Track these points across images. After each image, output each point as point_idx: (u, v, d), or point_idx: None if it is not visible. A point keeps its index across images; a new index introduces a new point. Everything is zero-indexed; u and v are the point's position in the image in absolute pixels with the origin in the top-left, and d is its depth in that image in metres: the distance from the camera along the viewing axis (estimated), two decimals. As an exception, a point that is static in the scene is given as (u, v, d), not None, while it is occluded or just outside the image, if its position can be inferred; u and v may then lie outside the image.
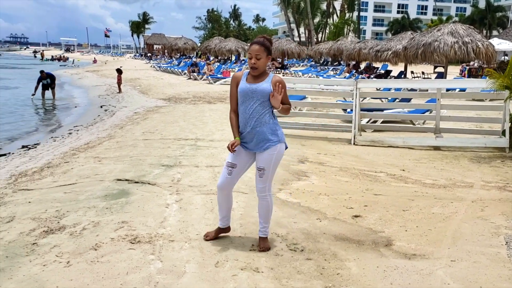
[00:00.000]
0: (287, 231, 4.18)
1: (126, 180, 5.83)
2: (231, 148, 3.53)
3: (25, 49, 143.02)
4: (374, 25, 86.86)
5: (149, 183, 5.66)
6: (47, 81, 18.29)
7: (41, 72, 18.39)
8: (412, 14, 77.41)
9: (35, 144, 9.81)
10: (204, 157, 7.19)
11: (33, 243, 3.87)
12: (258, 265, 3.47)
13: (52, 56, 71.09)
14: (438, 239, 4.06)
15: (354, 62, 32.64)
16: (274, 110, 3.65)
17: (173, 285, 3.13)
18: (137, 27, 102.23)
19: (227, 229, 3.98)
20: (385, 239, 4.05)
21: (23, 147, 9.54)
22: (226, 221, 3.94)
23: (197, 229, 4.13)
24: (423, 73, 26.81)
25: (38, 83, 18.33)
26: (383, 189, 5.59)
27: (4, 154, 8.77)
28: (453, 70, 35.08)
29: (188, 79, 26.75)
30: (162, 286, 3.12)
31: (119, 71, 20.76)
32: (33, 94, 18.41)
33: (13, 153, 8.86)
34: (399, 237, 4.09)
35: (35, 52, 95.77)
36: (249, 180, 5.78)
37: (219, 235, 3.94)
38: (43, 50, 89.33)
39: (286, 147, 3.76)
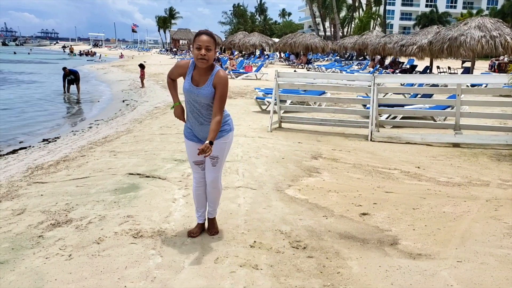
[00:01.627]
0: (292, 228, 4.13)
1: (138, 174, 5.88)
2: (205, 152, 3.23)
3: (55, 44, 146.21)
4: (401, 19, 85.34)
5: (159, 178, 5.69)
6: (70, 77, 18.74)
7: (64, 68, 18.80)
8: (441, 7, 75.72)
9: (55, 138, 10.01)
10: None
11: (39, 236, 3.94)
12: (257, 262, 3.44)
13: (80, 51, 72.39)
14: (446, 239, 3.95)
15: (379, 57, 32.17)
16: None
17: (170, 280, 3.14)
18: (164, 22, 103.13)
19: (204, 223, 4.00)
20: (391, 238, 3.96)
21: (43, 140, 9.73)
22: (204, 215, 3.95)
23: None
24: (449, 68, 26.25)
25: (64, 80, 18.81)
26: (395, 187, 5.48)
27: (25, 147, 8.97)
28: (482, 65, 34.29)
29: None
30: (159, 281, 3.12)
31: (142, 66, 20.97)
32: (64, 92, 18.87)
33: (33, 146, 9.06)
34: (405, 236, 4.00)
35: (64, 47, 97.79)
36: (259, 175, 5.77)
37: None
38: (71, 45, 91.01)
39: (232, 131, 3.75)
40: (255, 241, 3.81)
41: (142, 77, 20.64)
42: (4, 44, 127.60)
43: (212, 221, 3.94)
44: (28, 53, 70.23)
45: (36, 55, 65.07)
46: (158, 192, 5.10)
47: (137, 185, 5.40)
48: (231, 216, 4.38)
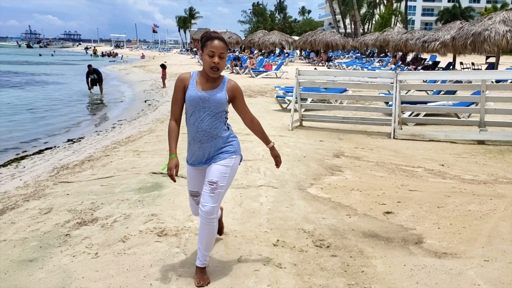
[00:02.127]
0: (315, 227, 4.13)
1: (161, 173, 5.94)
2: (172, 177, 2.99)
3: (77, 45, 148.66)
4: (423, 15, 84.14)
5: (182, 177, 5.72)
6: (94, 76, 18.93)
7: (89, 66, 19.08)
8: (464, 2, 74.34)
9: (79, 138, 10.18)
10: (239, 151, 7.21)
11: (66, 234, 4.02)
12: (281, 261, 3.44)
13: (102, 52, 73.43)
14: (472, 237, 3.89)
15: (400, 53, 31.79)
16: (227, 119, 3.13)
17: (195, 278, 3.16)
18: (184, 22, 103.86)
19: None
20: (415, 237, 3.92)
21: (68, 140, 9.91)
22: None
23: (224, 223, 4.14)
24: (473, 64, 25.76)
25: (87, 78, 19.06)
26: (419, 185, 5.42)
27: (51, 148, 9.15)
28: (507, 60, 33.57)
29: (231, 73, 26.90)
30: (184, 279, 3.16)
31: (163, 67, 21.17)
32: (90, 88, 19.13)
33: (58, 147, 9.23)
34: (430, 235, 3.95)
35: (86, 48, 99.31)
36: (281, 174, 5.77)
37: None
38: (95, 47, 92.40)
39: (241, 160, 3.23)
40: (278, 240, 3.82)
41: (163, 77, 20.83)
42: (28, 46, 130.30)
43: (202, 270, 3.13)
44: (52, 55, 71.57)
45: (60, 57, 66.27)
46: (181, 190, 5.14)
47: (160, 184, 5.46)
48: (253, 215, 4.39)
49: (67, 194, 5.31)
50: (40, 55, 70.19)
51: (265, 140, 3.33)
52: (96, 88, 19.19)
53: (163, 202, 4.78)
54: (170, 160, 3.04)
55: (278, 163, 3.36)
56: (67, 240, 3.89)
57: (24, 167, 7.46)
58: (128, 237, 3.87)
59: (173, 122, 3.08)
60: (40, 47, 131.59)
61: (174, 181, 3.03)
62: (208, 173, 3.03)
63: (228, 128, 3.14)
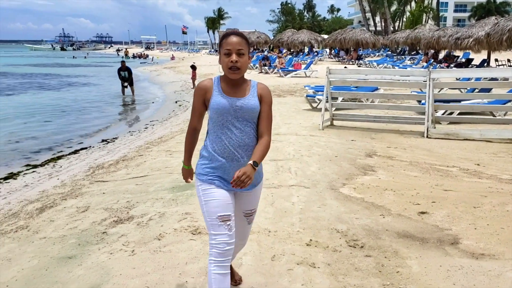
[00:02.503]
0: (348, 227, 4.10)
1: (194, 172, 6.00)
2: (242, 182, 2.33)
3: (109, 47, 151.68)
4: (456, 11, 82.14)
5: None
6: (125, 73, 19.02)
7: (122, 62, 19.35)
8: (499, -3, 72.21)
9: (113, 138, 10.40)
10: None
11: (103, 232, 4.12)
12: (314, 260, 3.44)
13: (134, 54, 74.68)
14: (511, 238, 3.79)
15: (432, 51, 31.18)
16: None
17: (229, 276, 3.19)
18: (213, 23, 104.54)
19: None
20: (451, 237, 3.85)
21: (103, 140, 10.14)
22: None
23: (256, 222, 4.16)
24: (509, 60, 25.04)
25: (119, 74, 19.21)
26: (454, 185, 5.31)
27: (86, 148, 9.38)
28: (545, 56, 32.40)
29: (260, 72, 26.94)
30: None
31: (193, 67, 21.38)
32: (123, 91, 19.39)
33: (93, 147, 9.45)
34: (467, 236, 3.87)
35: (118, 50, 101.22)
36: (312, 174, 5.76)
37: None
38: (126, 48, 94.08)
39: None
40: (311, 240, 3.82)
41: (193, 78, 21.03)
42: (62, 49, 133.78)
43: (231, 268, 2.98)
44: (85, 57, 73.26)
45: (93, 59, 67.79)
46: (213, 190, 5.19)
47: (193, 184, 5.50)
48: (285, 215, 4.40)
49: (103, 193, 5.44)
50: (74, 57, 72.01)
51: (255, 156, 2.46)
52: (127, 91, 19.48)
53: (196, 201, 4.83)
54: (184, 170, 2.87)
55: (236, 181, 2.32)
56: (104, 238, 3.99)
57: (61, 166, 7.67)
58: (163, 235, 3.94)
59: (191, 130, 2.69)
60: (74, 49, 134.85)
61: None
62: (243, 203, 2.67)
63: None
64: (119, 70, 19.13)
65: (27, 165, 8.04)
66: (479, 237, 3.85)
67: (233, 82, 2.54)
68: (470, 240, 3.79)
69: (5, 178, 7.12)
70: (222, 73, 2.58)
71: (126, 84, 19.16)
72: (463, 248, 3.65)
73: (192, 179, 2.79)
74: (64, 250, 3.80)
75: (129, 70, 19.06)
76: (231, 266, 2.91)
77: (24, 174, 7.35)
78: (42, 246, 3.92)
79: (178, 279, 3.18)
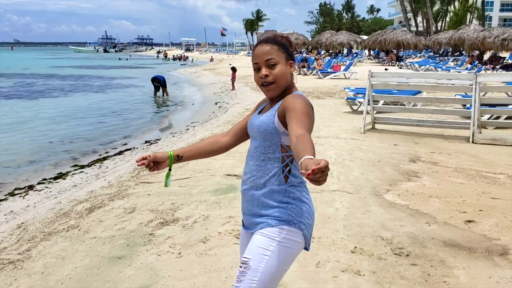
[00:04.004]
0: (393, 234, 4.06)
1: (235, 175, 6.09)
2: (139, 159, 2.08)
3: (150, 49, 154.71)
4: (502, 10, 79.36)
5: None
6: (158, 83, 20.42)
7: (152, 80, 20.69)
8: (549, -5, 69.41)
9: (156, 139, 10.64)
10: (311, 154, 7.23)
11: (150, 234, 4.24)
12: (359, 268, 3.43)
13: (174, 56, 75.96)
14: None
15: (477, 52, 30.28)
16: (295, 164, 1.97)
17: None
18: (251, 25, 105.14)
19: None
20: (500, 248, 3.76)
21: (146, 142, 10.39)
22: None
23: None
24: (559, 61, 24.00)
25: (152, 83, 20.65)
26: (502, 193, 5.17)
27: (130, 149, 9.64)
28: None
29: (298, 74, 26.88)
30: (264, 282, 3.23)
31: (233, 69, 21.58)
32: (155, 96, 20.26)
33: (137, 148, 9.70)
34: (518, 247, 3.77)
35: (158, 52, 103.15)
36: (355, 179, 5.72)
37: None
38: (165, 51, 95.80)
39: (306, 248, 2.02)
40: (355, 247, 3.80)
41: (233, 79, 21.22)
42: (105, 51, 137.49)
43: None
44: (127, 59, 75.06)
45: (135, 61, 69.41)
46: (256, 194, 5.24)
47: (235, 186, 5.60)
48: (329, 221, 4.40)
49: (149, 195, 5.58)
50: (119, 59, 74.11)
51: (306, 151, 1.62)
52: (159, 93, 20.31)
53: (238, 205, 4.85)
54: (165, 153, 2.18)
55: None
56: (151, 239, 4.11)
57: (107, 167, 7.92)
58: (208, 238, 4.02)
59: (220, 136, 2.33)
60: (116, 51, 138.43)
61: (138, 165, 2.09)
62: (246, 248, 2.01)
63: (288, 179, 1.99)
64: (152, 80, 20.55)
65: (75, 165, 8.35)
66: (531, 248, 3.74)
67: (273, 97, 2.06)
68: (521, 252, 3.68)
69: (55, 178, 7.43)
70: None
71: (158, 85, 20.44)
72: (514, 259, 3.56)
73: (149, 164, 2.13)
74: (114, 250, 3.93)
75: (158, 80, 20.39)
76: None
77: (73, 174, 7.64)
78: (93, 246, 4.07)
79: (225, 282, 3.24)
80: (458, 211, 4.62)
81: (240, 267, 1.92)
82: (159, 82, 20.28)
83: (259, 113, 2.13)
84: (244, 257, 1.93)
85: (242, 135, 2.26)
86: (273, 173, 1.99)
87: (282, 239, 1.92)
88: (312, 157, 1.54)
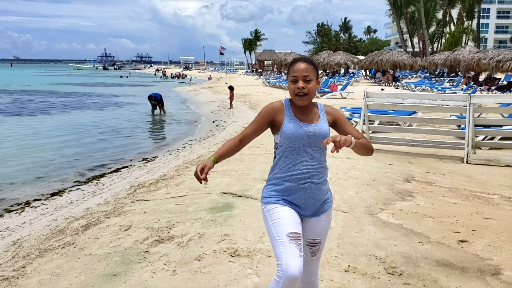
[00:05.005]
0: (386, 253, 4.10)
1: (231, 193, 6.12)
2: (199, 173, 2.42)
3: (149, 67, 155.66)
4: (496, 32, 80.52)
5: (251, 197, 5.89)
6: (155, 101, 20.46)
7: (149, 98, 20.65)
8: (543, 18, 70.48)
9: (153, 157, 10.68)
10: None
11: (145, 251, 4.26)
12: (353, 287, 3.46)
13: (172, 74, 76.45)
14: (557, 271, 3.70)
15: (472, 73, 30.61)
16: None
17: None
18: (249, 44, 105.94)
19: None
20: (492, 268, 3.79)
21: (143, 159, 10.43)
22: None
23: None
24: (553, 83, 24.27)
25: (149, 100, 20.65)
26: (495, 213, 5.22)
27: (127, 166, 9.67)
28: None
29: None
30: (257, 300, 3.26)
31: (231, 88, 21.76)
32: (153, 111, 20.27)
33: (134, 165, 9.74)
34: (509, 266, 3.80)
35: (157, 70, 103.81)
36: (350, 198, 5.77)
37: None
38: (164, 69, 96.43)
39: None
40: (349, 266, 3.83)
41: (231, 98, 21.38)
42: (104, 68, 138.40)
43: None
44: (127, 77, 75.54)
45: (134, 79, 69.87)
46: (251, 211, 5.28)
47: (231, 204, 5.63)
48: (323, 239, 4.42)
49: (144, 212, 5.61)
50: (121, 77, 74.72)
51: (357, 139, 2.53)
52: (156, 111, 20.33)
53: (234, 223, 4.93)
54: (207, 161, 2.48)
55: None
56: (146, 257, 4.13)
57: (104, 184, 7.95)
58: (203, 256, 4.04)
59: (238, 140, 2.61)
60: (115, 69, 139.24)
61: (199, 181, 2.44)
62: (308, 232, 2.58)
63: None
64: (149, 99, 20.62)
65: (72, 181, 8.37)
66: (522, 268, 3.77)
67: (303, 107, 2.55)
68: (512, 271, 3.72)
69: (52, 195, 7.45)
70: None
71: (155, 103, 20.47)
72: (505, 279, 3.59)
73: (204, 173, 2.43)
74: (109, 267, 3.95)
75: (155, 98, 20.39)
76: None
77: (69, 191, 7.67)
78: (88, 263, 4.09)
79: (218, 300, 3.26)
80: (452, 231, 4.66)
81: (314, 246, 2.61)
82: (155, 100, 20.31)
83: (301, 120, 2.54)
84: (317, 238, 2.60)
85: (251, 140, 2.67)
86: (326, 166, 2.60)
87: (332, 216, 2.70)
88: (353, 137, 2.43)
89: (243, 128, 13.84)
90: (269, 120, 2.57)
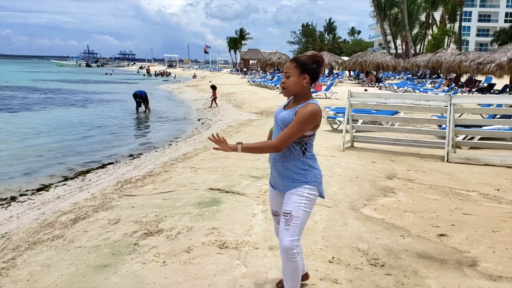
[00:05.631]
0: (369, 246, 4.25)
1: (218, 189, 6.23)
2: (213, 137, 2.88)
3: (132, 65, 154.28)
4: (478, 35, 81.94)
5: (238, 193, 6.00)
6: (140, 99, 20.26)
7: (134, 96, 20.48)
8: (523, 22, 71.93)
9: (139, 154, 10.71)
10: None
11: (135, 244, 4.35)
12: (337, 277, 3.60)
13: (155, 72, 76.04)
14: (529, 263, 3.89)
15: (454, 75, 31.16)
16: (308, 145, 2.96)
17: (255, 288, 3.39)
18: (234, 43, 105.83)
19: (306, 275, 3.45)
20: (470, 260, 3.98)
21: (129, 156, 10.45)
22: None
23: None
24: (532, 86, 24.85)
25: (134, 99, 20.45)
26: (473, 209, 5.42)
27: (112, 163, 9.70)
28: None
29: (281, 93, 27.17)
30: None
31: (213, 87, 21.76)
32: (137, 109, 20.20)
33: (119, 162, 9.76)
34: (485, 258, 3.99)
35: (140, 67, 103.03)
36: (334, 193, 5.92)
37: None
38: (148, 67, 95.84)
39: (322, 196, 3.06)
40: (333, 257, 3.98)
41: (214, 97, 21.36)
42: (87, 65, 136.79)
43: None
44: (110, 74, 74.91)
45: (118, 76, 69.29)
46: (238, 206, 5.40)
47: (218, 200, 5.74)
48: (308, 232, 4.56)
49: (132, 207, 5.68)
50: (106, 74, 74.18)
51: (247, 142, 3.00)
52: (141, 108, 20.17)
53: (222, 217, 5.04)
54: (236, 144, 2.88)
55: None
56: (136, 249, 4.21)
57: (90, 180, 7.98)
58: (192, 248, 4.14)
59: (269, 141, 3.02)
60: (98, 66, 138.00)
61: (215, 142, 2.88)
62: (284, 203, 2.98)
63: (309, 154, 2.97)
64: (134, 96, 20.38)
65: (58, 177, 8.38)
66: (498, 260, 3.96)
67: (295, 99, 2.99)
68: (488, 263, 3.90)
69: (38, 190, 7.46)
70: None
71: (140, 100, 20.24)
72: (481, 270, 3.77)
73: (226, 148, 2.90)
74: (99, 259, 4.03)
75: (140, 95, 20.19)
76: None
77: (56, 186, 7.69)
78: (78, 255, 4.16)
79: (208, 289, 3.37)
80: (432, 225, 4.84)
81: (285, 216, 2.92)
82: (140, 98, 20.12)
83: (284, 108, 3.02)
84: (286, 210, 2.92)
85: None
86: (295, 149, 2.92)
87: (307, 194, 2.92)
88: (239, 142, 2.89)
89: (229, 126, 13.92)
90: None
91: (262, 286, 3.43)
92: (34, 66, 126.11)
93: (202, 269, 3.70)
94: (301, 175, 2.94)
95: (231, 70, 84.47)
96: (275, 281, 3.51)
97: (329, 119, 12.80)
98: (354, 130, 9.89)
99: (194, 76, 60.74)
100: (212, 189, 6.28)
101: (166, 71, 75.37)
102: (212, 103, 21.33)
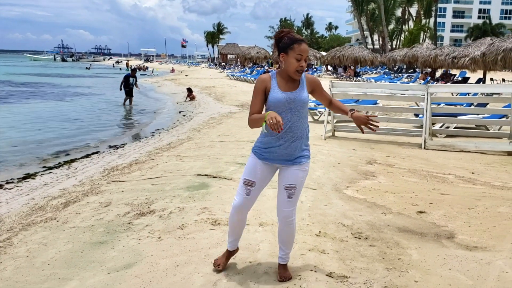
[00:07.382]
0: (353, 222, 4.49)
1: (206, 175, 6.39)
2: (278, 123, 2.73)
3: (108, 59, 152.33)
4: (452, 31, 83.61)
5: (225, 178, 6.18)
6: (133, 80, 19.41)
7: (133, 70, 19.86)
8: (495, 19, 73.74)
9: (122, 144, 10.77)
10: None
11: (129, 223, 4.49)
12: (324, 248, 3.82)
13: (131, 66, 75.29)
14: (502, 234, 4.18)
15: (429, 69, 31.85)
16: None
17: (249, 258, 3.58)
18: (212, 37, 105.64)
19: (236, 250, 3.51)
20: (447, 233, 4.25)
21: (111, 146, 10.50)
22: (236, 242, 3.45)
23: (269, 217, 4.55)
24: (503, 80, 25.66)
25: (127, 81, 19.33)
26: (450, 189, 5.72)
27: (97, 152, 9.75)
28: (539, 77, 33.07)
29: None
30: (239, 259, 3.57)
31: (189, 90, 21.62)
32: (127, 96, 19.70)
33: (103, 152, 9.82)
34: (462, 232, 4.27)
35: (117, 62, 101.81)
36: (318, 177, 6.15)
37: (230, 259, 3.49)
38: (128, 61, 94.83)
39: None
40: (320, 231, 4.20)
41: (192, 97, 21.18)
42: (63, 60, 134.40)
43: (284, 266, 3.33)
44: (87, 68, 73.91)
45: (95, 70, 68.42)
46: (227, 189, 5.58)
47: (206, 184, 5.91)
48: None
49: (122, 191, 5.80)
50: (86, 68, 73.22)
51: (344, 111, 3.29)
52: (127, 102, 19.85)
53: (212, 198, 5.21)
54: (268, 114, 2.79)
55: (367, 123, 3.16)
56: (130, 227, 4.36)
57: (76, 168, 8.04)
58: (186, 225, 4.31)
59: (252, 114, 3.03)
60: (73, 60, 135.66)
61: (281, 128, 2.75)
62: (284, 178, 3.12)
63: (308, 130, 3.18)
64: (129, 76, 19.44)
65: (43, 166, 8.41)
66: (473, 233, 4.24)
67: (289, 79, 3.05)
68: (464, 235, 4.18)
69: (24, 178, 7.49)
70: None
71: (129, 88, 19.31)
72: (458, 241, 4.04)
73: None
74: (95, 236, 4.16)
75: (136, 78, 19.55)
76: (283, 264, 3.33)
77: (42, 174, 7.72)
78: (74, 234, 4.28)
79: (204, 260, 3.55)
80: (411, 204, 5.11)
81: (289, 190, 3.09)
82: (134, 77, 19.19)
83: (281, 89, 3.02)
84: (292, 184, 3.09)
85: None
86: (305, 127, 3.11)
87: (307, 168, 3.18)
88: (351, 109, 3.24)
89: (210, 118, 14.03)
90: (263, 92, 3.05)
91: (255, 256, 3.62)
92: (6, 59, 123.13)
93: (197, 243, 3.88)
94: (307, 150, 3.18)
95: (209, 64, 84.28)
96: (266, 252, 3.71)
97: (310, 110, 13.05)
98: (335, 120, 10.15)
99: (172, 70, 60.46)
100: (200, 174, 6.44)
101: (144, 66, 74.74)
102: (187, 98, 21.20)
